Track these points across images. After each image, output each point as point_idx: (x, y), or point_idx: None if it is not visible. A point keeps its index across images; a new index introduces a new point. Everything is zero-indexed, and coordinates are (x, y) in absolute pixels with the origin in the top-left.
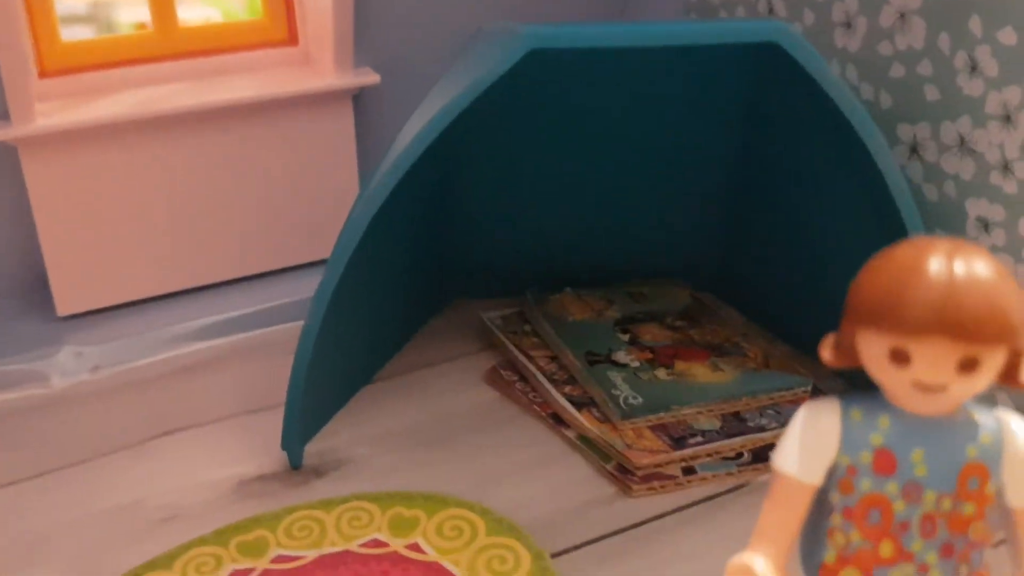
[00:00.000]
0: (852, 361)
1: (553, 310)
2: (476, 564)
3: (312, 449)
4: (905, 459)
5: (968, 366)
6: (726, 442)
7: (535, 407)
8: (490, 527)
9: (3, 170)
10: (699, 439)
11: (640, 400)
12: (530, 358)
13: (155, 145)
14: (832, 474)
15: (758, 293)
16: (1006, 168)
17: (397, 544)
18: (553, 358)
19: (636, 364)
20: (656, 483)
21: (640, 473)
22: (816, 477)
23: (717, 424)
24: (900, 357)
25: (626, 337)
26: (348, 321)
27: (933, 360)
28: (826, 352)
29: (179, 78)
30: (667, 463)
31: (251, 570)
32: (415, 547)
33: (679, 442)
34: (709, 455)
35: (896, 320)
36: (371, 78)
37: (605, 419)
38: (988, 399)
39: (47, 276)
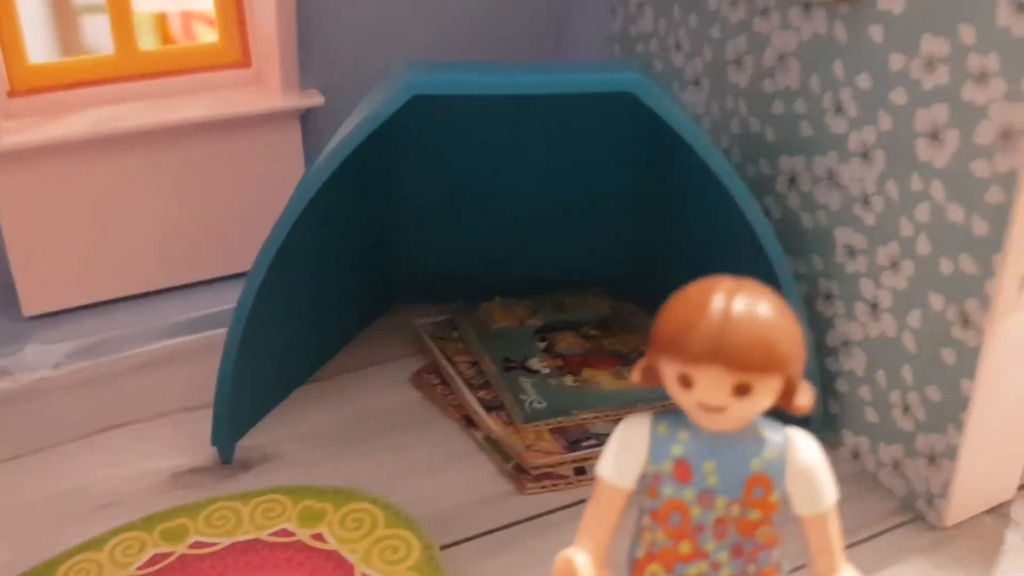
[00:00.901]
0: (657, 382)
1: (480, 317)
2: (371, 553)
3: (244, 444)
4: (699, 470)
5: (742, 391)
6: None
7: (451, 408)
8: (388, 520)
9: None
10: (593, 442)
11: (544, 405)
12: (452, 363)
13: (116, 160)
14: (643, 481)
15: None
16: (866, 201)
17: (303, 534)
18: (474, 363)
19: (547, 371)
20: (548, 482)
21: (534, 472)
22: (629, 482)
23: (612, 428)
24: (686, 381)
25: (543, 345)
26: (277, 326)
27: (711, 385)
28: (635, 374)
29: (139, 98)
30: (560, 464)
31: (170, 553)
32: (319, 537)
33: (575, 445)
34: (600, 457)
35: (681, 350)
36: (316, 100)
37: (511, 422)
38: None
39: (14, 279)
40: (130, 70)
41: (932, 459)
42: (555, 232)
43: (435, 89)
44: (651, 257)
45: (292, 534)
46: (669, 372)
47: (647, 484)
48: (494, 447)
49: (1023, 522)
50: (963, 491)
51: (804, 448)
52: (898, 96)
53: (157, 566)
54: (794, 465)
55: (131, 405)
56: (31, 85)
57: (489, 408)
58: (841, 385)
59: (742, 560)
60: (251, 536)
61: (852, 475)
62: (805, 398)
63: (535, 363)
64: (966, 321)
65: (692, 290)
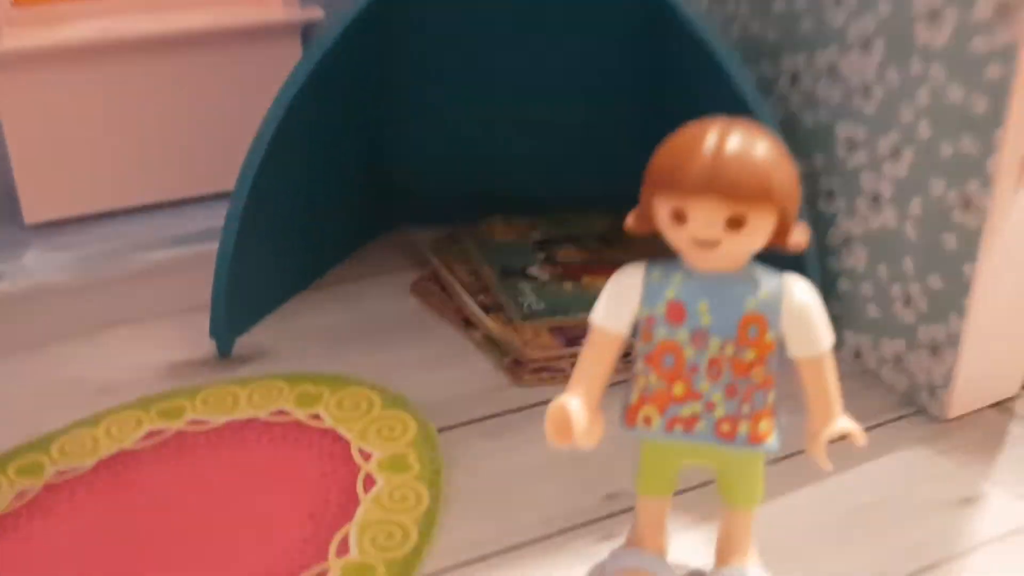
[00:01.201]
0: (649, 227)
1: (482, 233)
2: (367, 431)
3: (242, 342)
4: (693, 310)
5: (735, 223)
6: None
7: (450, 313)
8: (385, 402)
9: None
10: None
11: (542, 305)
12: (451, 271)
13: (117, 68)
14: (636, 326)
15: None
16: (866, 91)
17: (300, 414)
18: (473, 271)
19: (546, 278)
20: (545, 374)
21: (531, 365)
22: (621, 327)
23: None
24: (680, 217)
25: (543, 255)
26: (273, 227)
27: (705, 217)
28: (630, 219)
29: (140, 9)
30: (557, 358)
31: (166, 430)
32: (316, 416)
33: (572, 342)
34: None
35: (675, 183)
36: (316, 14)
37: (510, 321)
38: None
39: (16, 188)
40: None
41: (934, 349)
42: (556, 146)
43: None
44: None
45: (289, 413)
46: (663, 209)
47: (641, 328)
48: (492, 345)
49: None
50: (966, 382)
51: (800, 289)
52: None
53: (153, 440)
54: (789, 305)
55: (131, 307)
56: None
57: (488, 310)
58: (842, 284)
59: (736, 400)
60: (248, 415)
61: (853, 374)
62: (800, 236)
63: (535, 271)
64: (967, 203)
65: (687, 129)
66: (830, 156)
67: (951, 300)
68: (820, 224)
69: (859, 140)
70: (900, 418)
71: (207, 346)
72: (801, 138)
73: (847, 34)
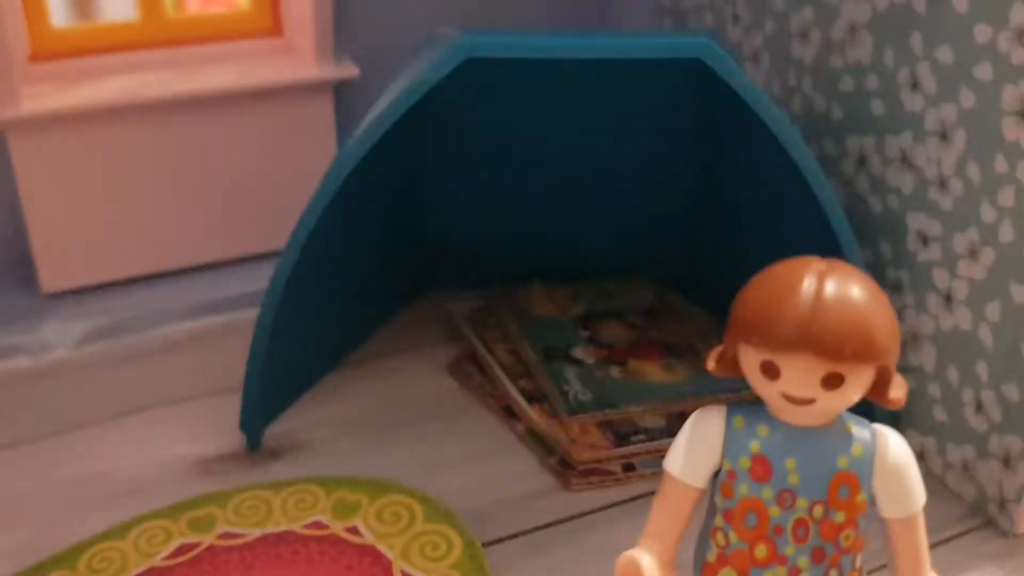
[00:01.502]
0: (734, 372)
1: (520, 303)
2: (410, 549)
3: (272, 431)
4: (780, 467)
5: (832, 382)
6: (668, 440)
7: (490, 399)
8: (428, 514)
9: None
10: (642, 437)
11: (589, 396)
12: (490, 351)
13: (140, 130)
14: (716, 478)
15: (720, 294)
16: (943, 184)
17: (337, 527)
18: (513, 351)
19: (591, 361)
20: (595, 478)
21: (580, 468)
22: (700, 480)
23: (662, 423)
24: (771, 371)
25: (586, 333)
26: (308, 308)
27: (799, 375)
28: (711, 363)
29: (164, 66)
30: (608, 459)
31: (198, 544)
32: (354, 530)
33: (623, 439)
34: (650, 453)
35: (766, 336)
36: (350, 71)
37: (554, 414)
38: None
39: (33, 255)
40: (155, 37)
41: (1007, 461)
42: (595, 218)
43: (492, 51)
44: (696, 245)
45: (326, 527)
46: (751, 360)
47: (721, 481)
48: (536, 440)
49: None
50: None
51: (894, 445)
52: (983, 71)
53: (183, 557)
54: (883, 464)
55: (155, 388)
56: (53, 50)
57: (531, 399)
58: (908, 382)
59: (824, 565)
60: (283, 528)
61: None
62: (899, 391)
63: (579, 352)
64: None
65: (778, 270)
66: (899, 247)
67: None
68: None
69: (932, 235)
70: (967, 532)
71: (236, 437)
72: (867, 225)
73: (924, 121)
